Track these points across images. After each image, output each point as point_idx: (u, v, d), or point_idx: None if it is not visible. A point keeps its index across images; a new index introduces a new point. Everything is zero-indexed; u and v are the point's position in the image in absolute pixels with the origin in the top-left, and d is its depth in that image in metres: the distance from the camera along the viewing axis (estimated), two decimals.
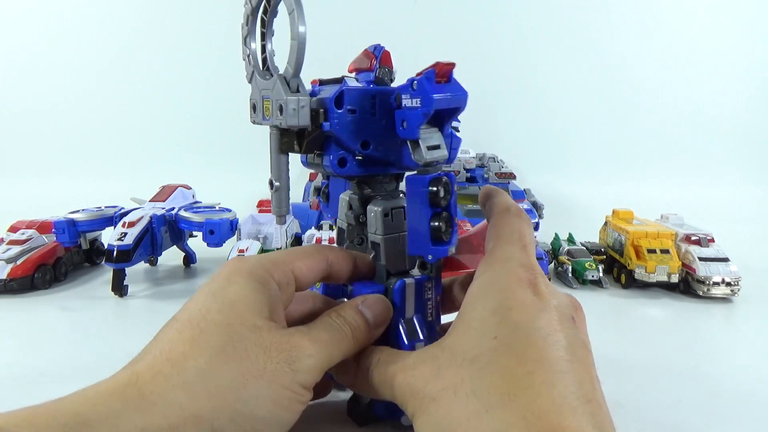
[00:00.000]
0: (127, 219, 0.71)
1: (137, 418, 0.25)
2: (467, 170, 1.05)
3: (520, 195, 0.99)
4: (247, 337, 0.29)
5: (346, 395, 0.39)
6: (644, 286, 0.71)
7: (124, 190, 0.91)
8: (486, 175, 1.03)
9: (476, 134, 1.38)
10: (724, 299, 0.68)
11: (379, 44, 0.37)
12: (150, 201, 0.82)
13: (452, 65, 0.31)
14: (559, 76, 1.43)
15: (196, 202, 0.85)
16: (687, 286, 0.70)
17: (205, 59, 1.38)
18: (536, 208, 0.97)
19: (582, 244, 0.79)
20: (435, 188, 0.32)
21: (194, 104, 1.39)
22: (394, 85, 0.37)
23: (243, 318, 0.30)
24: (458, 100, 0.31)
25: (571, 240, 0.82)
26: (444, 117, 0.32)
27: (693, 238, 0.74)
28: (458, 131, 0.37)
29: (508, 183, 1.00)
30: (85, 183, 1.28)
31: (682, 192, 1.32)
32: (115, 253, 0.67)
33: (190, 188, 0.89)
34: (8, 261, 0.68)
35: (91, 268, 0.80)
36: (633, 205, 0.85)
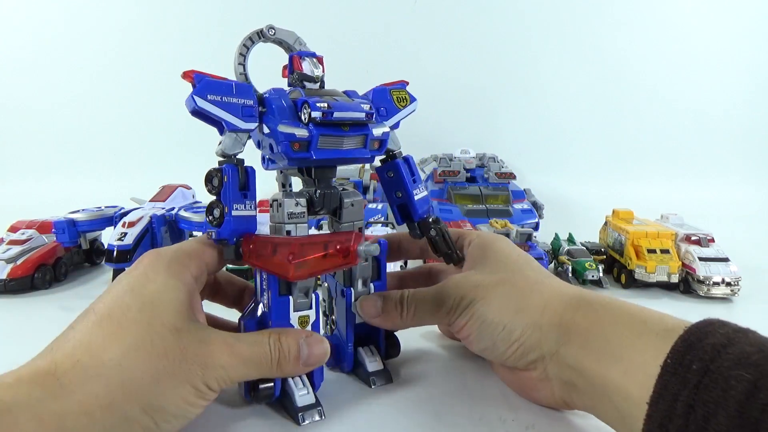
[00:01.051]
0: (127, 219, 0.71)
1: (55, 405, 0.27)
2: (467, 170, 1.05)
3: (520, 195, 0.99)
4: (166, 338, 0.32)
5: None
6: (644, 286, 0.71)
7: (124, 190, 0.91)
8: (486, 175, 1.03)
9: (476, 134, 1.38)
10: (724, 299, 0.68)
11: (302, 52, 0.41)
12: (150, 201, 0.82)
13: (184, 73, 0.36)
14: (560, 77, 1.43)
15: (196, 202, 0.85)
16: (687, 286, 0.70)
17: (205, 59, 1.37)
18: (536, 208, 0.96)
19: (582, 244, 0.79)
20: (208, 178, 0.37)
21: None
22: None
23: (163, 319, 0.32)
24: (187, 104, 0.36)
25: (571, 240, 0.82)
26: (206, 117, 0.37)
27: (693, 238, 0.74)
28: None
29: (508, 183, 1.00)
30: (85, 183, 1.28)
31: (682, 192, 1.32)
32: (115, 253, 0.67)
33: (190, 188, 0.89)
34: (8, 261, 0.68)
35: (91, 268, 0.80)
36: (633, 205, 0.85)
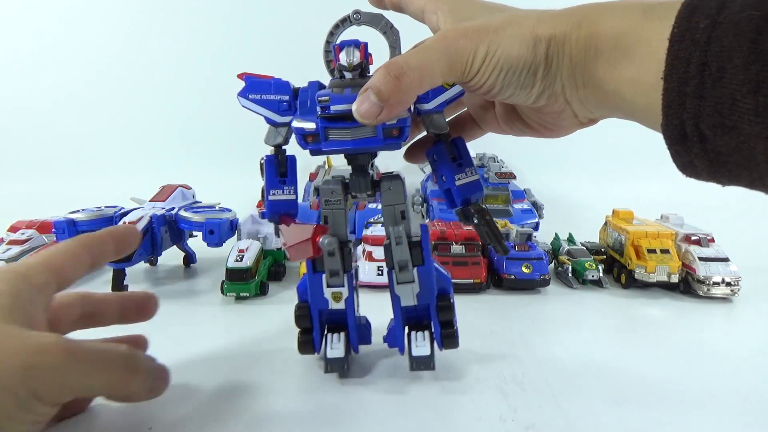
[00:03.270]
0: (127, 219, 0.71)
1: None
2: None
3: (520, 195, 0.99)
4: None
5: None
6: (644, 286, 0.71)
7: (124, 190, 0.91)
8: (486, 175, 1.03)
9: None
10: (724, 299, 0.68)
11: (344, 41, 0.42)
12: (150, 201, 0.82)
13: (238, 75, 0.42)
14: None
15: (196, 202, 0.85)
16: (687, 286, 0.70)
17: (205, 59, 1.38)
18: (536, 208, 0.97)
19: (582, 244, 0.79)
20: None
21: (194, 104, 1.39)
22: None
23: None
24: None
25: (571, 240, 0.82)
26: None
27: (693, 238, 0.74)
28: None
29: (508, 183, 1.00)
30: (85, 183, 1.28)
31: (682, 192, 1.32)
32: None
33: (190, 188, 0.89)
34: (8, 261, 0.68)
35: None
36: (633, 205, 0.85)
